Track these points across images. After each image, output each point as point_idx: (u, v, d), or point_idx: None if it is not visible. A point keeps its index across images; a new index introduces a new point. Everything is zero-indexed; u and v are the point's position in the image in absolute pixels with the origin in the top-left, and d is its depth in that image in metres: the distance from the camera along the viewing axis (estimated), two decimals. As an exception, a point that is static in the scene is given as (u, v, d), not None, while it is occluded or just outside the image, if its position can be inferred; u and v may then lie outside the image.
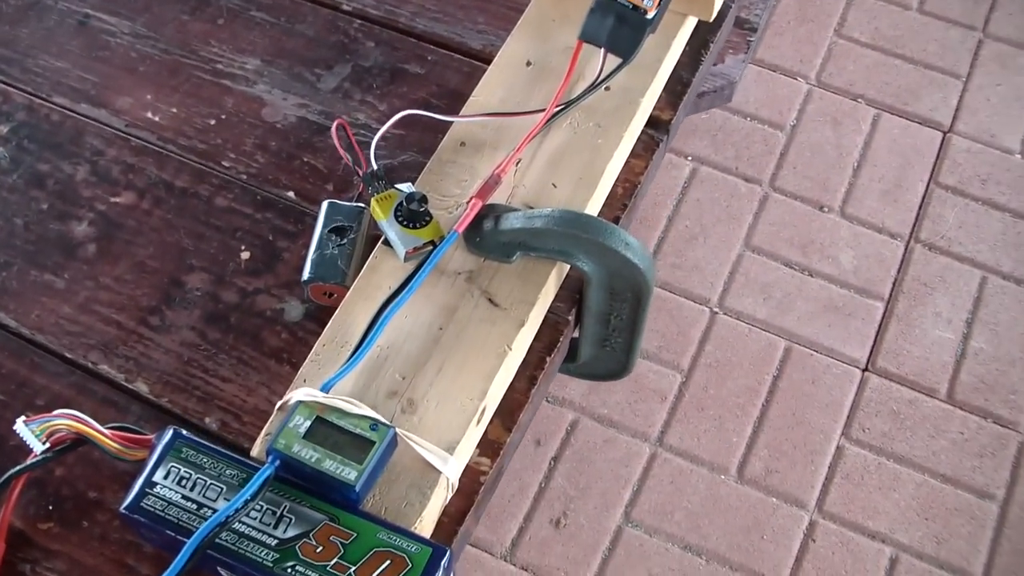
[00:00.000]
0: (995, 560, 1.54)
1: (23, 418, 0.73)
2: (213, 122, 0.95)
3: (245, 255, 0.88)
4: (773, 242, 1.81)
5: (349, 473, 0.68)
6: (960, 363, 1.70)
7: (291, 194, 0.91)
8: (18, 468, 0.74)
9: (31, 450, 0.73)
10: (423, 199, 0.80)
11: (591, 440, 1.64)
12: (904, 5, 2.07)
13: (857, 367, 1.70)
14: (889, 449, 1.63)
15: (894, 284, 1.77)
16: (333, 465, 0.69)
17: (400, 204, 0.81)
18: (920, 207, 1.85)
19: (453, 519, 0.76)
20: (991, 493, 1.60)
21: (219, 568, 0.69)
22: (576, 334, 0.89)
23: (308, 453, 0.69)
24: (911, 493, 1.60)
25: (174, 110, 0.96)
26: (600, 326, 0.87)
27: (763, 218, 1.84)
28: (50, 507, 0.77)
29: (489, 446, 0.78)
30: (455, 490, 0.75)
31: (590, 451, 1.63)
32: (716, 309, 1.75)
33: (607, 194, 0.89)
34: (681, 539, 1.57)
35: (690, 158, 1.89)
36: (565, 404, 1.67)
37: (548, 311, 0.84)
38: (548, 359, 0.82)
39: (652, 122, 0.94)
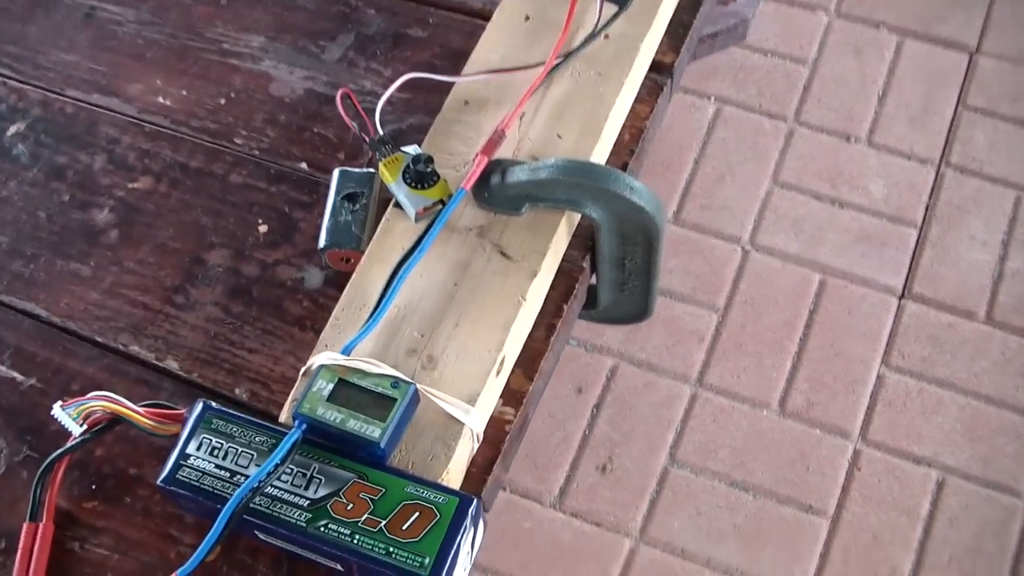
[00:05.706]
0: (1044, 477, 1.55)
1: (59, 403, 0.76)
2: (223, 101, 0.97)
3: (263, 228, 0.90)
4: (801, 176, 1.81)
5: (373, 431, 0.70)
6: (998, 284, 1.70)
7: (303, 165, 0.93)
8: (60, 451, 0.76)
9: (70, 433, 0.76)
10: (429, 160, 0.82)
11: (632, 385, 1.66)
12: (920, -74, 2.05)
13: (893, 295, 1.70)
14: (930, 374, 1.63)
15: (926, 210, 1.76)
16: (357, 424, 0.71)
17: (407, 166, 0.82)
18: (949, 131, 1.84)
19: (482, 468, 0.77)
20: (1036, 411, 1.60)
21: (256, 532, 0.72)
22: (593, 280, 0.91)
23: (332, 415, 0.71)
24: (955, 416, 1.60)
25: (184, 92, 0.98)
26: (616, 271, 0.88)
27: (790, 153, 1.83)
28: (93, 486, 0.80)
29: (512, 396, 0.80)
30: (481, 441, 0.77)
31: (631, 396, 1.65)
32: (748, 247, 1.75)
33: (613, 141, 0.90)
34: (727, 476, 1.58)
35: (712, 99, 1.89)
36: (603, 351, 1.68)
37: (562, 260, 0.85)
38: (565, 307, 0.83)
39: (655, 67, 0.95)
